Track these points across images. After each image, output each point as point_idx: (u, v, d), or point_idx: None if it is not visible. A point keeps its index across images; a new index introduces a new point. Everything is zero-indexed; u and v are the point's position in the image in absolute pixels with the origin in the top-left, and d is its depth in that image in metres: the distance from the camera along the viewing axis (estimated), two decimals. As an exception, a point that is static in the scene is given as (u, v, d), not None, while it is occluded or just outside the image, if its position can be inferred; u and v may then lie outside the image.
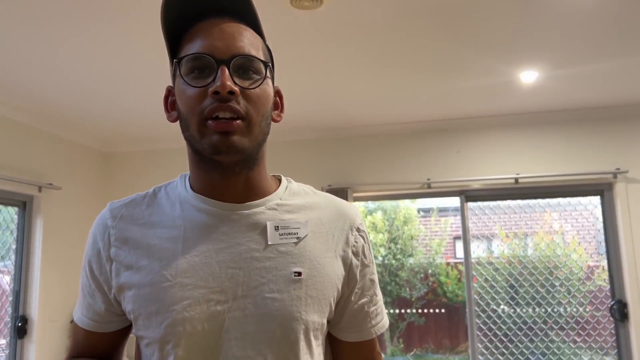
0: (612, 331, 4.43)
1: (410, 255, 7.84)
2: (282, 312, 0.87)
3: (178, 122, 0.96)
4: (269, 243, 0.91)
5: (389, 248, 7.74)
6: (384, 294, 7.51)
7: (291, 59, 3.31)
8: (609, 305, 4.41)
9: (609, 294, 4.45)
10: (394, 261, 7.74)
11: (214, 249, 0.90)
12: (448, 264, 7.81)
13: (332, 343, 1.04)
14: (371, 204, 7.75)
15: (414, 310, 7.58)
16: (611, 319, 4.41)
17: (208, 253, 0.89)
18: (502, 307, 4.85)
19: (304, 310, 0.89)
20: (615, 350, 4.37)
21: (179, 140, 0.95)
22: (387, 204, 7.76)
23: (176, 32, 0.93)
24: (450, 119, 4.68)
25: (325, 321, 0.94)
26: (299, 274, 0.90)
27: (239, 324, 0.86)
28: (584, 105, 4.40)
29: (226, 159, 0.90)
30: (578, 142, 4.51)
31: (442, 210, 8.19)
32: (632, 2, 2.70)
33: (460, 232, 4.76)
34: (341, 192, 4.64)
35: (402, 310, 7.58)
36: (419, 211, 8.06)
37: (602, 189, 4.49)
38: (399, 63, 3.44)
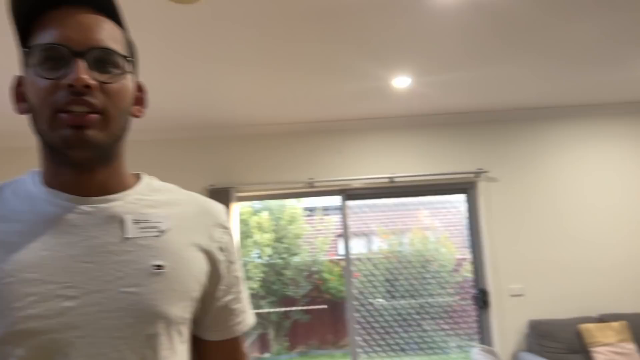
0: (476, 318, 4.85)
1: (296, 254, 7.95)
2: (140, 306, 0.84)
3: (28, 115, 0.89)
4: (128, 236, 0.87)
5: (275, 247, 7.79)
6: (269, 294, 7.54)
7: (170, 53, 3.21)
8: (473, 295, 4.82)
9: (472, 283, 4.87)
10: (279, 260, 7.80)
11: (66, 243, 0.84)
12: (332, 261, 8.03)
13: (196, 345, 1.02)
14: (257, 204, 7.74)
15: (299, 308, 7.70)
16: (475, 306, 4.82)
17: (59, 247, 0.84)
18: (380, 300, 5.10)
19: (165, 304, 0.86)
20: (479, 335, 4.79)
21: (32, 137, 0.88)
22: (273, 203, 7.79)
23: (27, 18, 0.87)
24: (332, 120, 4.82)
25: (188, 316, 0.92)
26: (160, 267, 0.87)
27: (92, 320, 0.82)
28: (451, 110, 4.77)
29: (79, 154, 0.85)
30: (446, 144, 4.87)
31: (327, 209, 8.40)
32: (495, 20, 2.98)
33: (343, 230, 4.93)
34: (224, 192, 4.58)
35: (288, 309, 7.65)
36: (304, 210, 8.19)
37: (466, 187, 4.89)
38: (281, 63, 3.48)
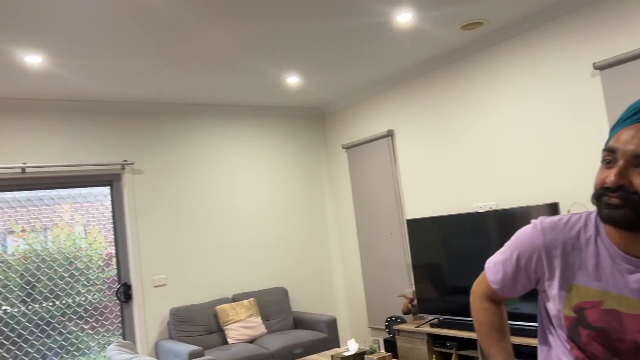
0: (118, 313, 4.74)
1: None
2: None
3: None
4: None
5: None
6: None
7: None
8: (116, 289, 4.70)
9: (116, 278, 4.74)
10: None
11: None
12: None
13: None
14: None
15: None
16: (118, 302, 4.71)
17: None
18: (14, 307, 4.47)
19: None
20: (121, 330, 4.69)
21: None
22: None
23: None
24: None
25: None
26: None
27: None
28: (96, 97, 4.52)
29: None
30: (90, 133, 4.60)
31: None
32: (141, 13, 2.92)
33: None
34: None
35: None
36: None
37: (111, 179, 4.73)
38: None
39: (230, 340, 4.57)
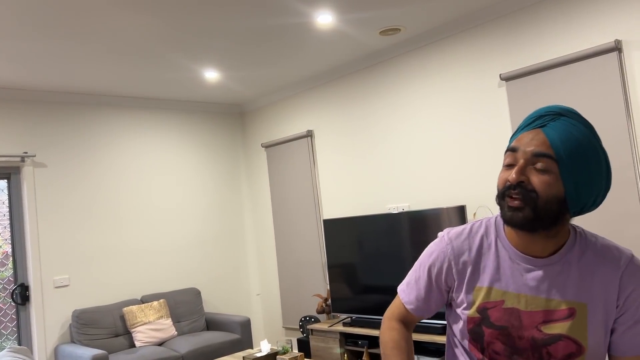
0: (14, 316, 4.39)
1: None
2: None
3: None
4: None
5: None
6: None
7: None
8: (11, 291, 4.35)
9: (12, 279, 4.39)
10: None
11: None
12: None
13: None
14: None
15: None
16: (13, 304, 4.36)
17: None
18: None
19: None
20: (16, 335, 4.35)
21: None
22: None
23: None
24: None
25: None
26: None
27: None
28: (-7, 83, 4.17)
29: None
30: (-15, 121, 4.23)
31: None
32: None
33: None
34: None
35: None
36: None
37: (9, 172, 4.38)
38: None
39: (137, 343, 4.37)
